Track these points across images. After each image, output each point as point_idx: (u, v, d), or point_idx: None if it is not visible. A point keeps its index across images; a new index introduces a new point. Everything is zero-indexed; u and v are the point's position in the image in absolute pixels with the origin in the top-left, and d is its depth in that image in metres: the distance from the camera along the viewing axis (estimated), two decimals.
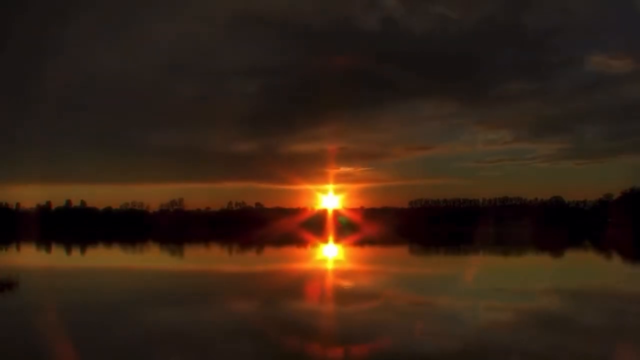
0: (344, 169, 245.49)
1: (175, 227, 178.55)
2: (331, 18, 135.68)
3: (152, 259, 42.38)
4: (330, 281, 25.16)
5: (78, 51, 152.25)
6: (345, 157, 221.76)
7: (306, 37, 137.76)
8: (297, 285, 23.23)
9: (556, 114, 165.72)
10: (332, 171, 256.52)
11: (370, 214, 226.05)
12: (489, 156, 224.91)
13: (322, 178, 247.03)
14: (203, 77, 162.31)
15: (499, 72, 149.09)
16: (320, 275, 27.72)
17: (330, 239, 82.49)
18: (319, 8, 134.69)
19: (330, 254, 48.19)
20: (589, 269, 30.81)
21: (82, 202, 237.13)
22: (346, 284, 24.23)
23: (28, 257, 43.96)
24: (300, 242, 69.52)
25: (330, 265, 34.83)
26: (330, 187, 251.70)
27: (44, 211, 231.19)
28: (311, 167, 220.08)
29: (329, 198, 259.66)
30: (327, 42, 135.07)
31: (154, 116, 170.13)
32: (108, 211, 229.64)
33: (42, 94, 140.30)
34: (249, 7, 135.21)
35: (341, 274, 28.65)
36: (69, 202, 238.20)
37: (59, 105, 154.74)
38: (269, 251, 52.65)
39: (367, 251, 53.77)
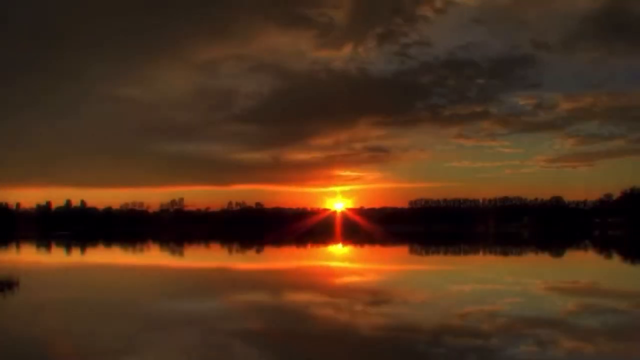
0: (344, 173, 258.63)
1: (177, 227, 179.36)
2: (317, 62, 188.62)
3: (156, 258, 42.36)
4: (340, 278, 25.17)
5: (101, 74, 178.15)
6: (345, 162, 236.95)
7: (303, 72, 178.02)
8: (312, 282, 23.27)
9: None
10: (334, 175, 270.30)
11: (370, 214, 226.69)
12: (483, 159, 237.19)
13: (324, 181, 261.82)
14: (213, 98, 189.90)
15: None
16: (331, 272, 27.76)
17: (333, 238, 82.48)
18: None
19: (335, 253, 48.22)
20: (589, 269, 30.84)
21: (82, 202, 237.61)
22: (356, 281, 24.26)
23: (28, 256, 43.97)
24: (303, 242, 69.51)
25: (338, 264, 34.84)
26: (332, 189, 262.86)
27: (44, 211, 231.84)
28: (314, 172, 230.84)
29: (332, 199, 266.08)
30: (318, 78, 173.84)
31: (170, 130, 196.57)
32: (108, 211, 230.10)
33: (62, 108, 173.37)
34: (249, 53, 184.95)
35: (349, 272, 28.67)
36: (69, 202, 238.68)
37: (76, 120, 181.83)
38: (275, 251, 52.66)
39: (368, 251, 53.79)
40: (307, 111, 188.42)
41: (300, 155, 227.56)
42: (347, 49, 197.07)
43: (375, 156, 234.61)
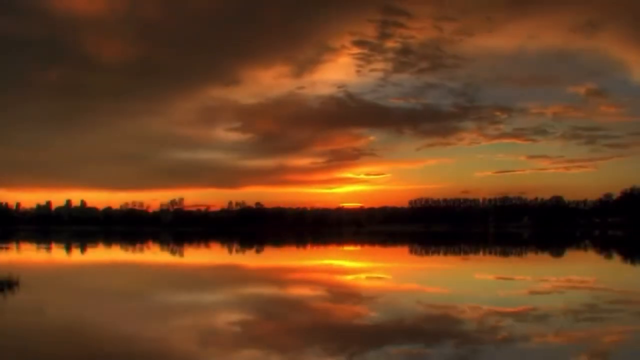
0: (344, 175, 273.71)
1: (177, 227, 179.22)
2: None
3: (154, 257, 42.43)
4: (338, 277, 25.24)
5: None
6: (343, 167, 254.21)
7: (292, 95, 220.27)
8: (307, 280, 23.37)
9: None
10: (334, 178, 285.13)
11: (370, 213, 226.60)
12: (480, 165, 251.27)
13: (324, 184, 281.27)
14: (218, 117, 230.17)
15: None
16: (327, 270, 27.83)
17: (332, 238, 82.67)
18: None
19: (334, 253, 48.27)
20: (590, 269, 30.90)
21: (82, 202, 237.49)
22: (354, 279, 24.34)
23: (28, 256, 44.00)
24: (303, 242, 69.66)
25: (336, 263, 34.88)
26: (333, 190, 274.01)
27: (44, 211, 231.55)
28: (314, 175, 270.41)
29: (332, 200, 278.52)
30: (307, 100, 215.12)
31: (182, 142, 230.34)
32: (108, 211, 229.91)
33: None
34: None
35: (347, 270, 28.74)
36: (69, 202, 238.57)
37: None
38: (274, 251, 52.72)
39: (367, 251, 53.81)
40: (303, 126, 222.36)
41: (300, 161, 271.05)
42: (327, 76, 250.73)
43: (371, 160, 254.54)
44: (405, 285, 22.26)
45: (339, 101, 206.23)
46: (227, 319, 14.19)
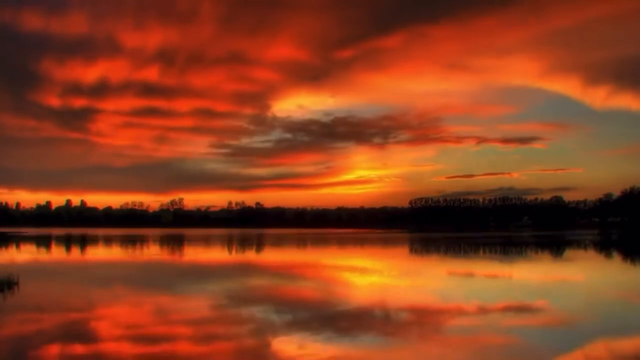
0: (344, 177, 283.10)
1: (176, 227, 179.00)
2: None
3: (151, 256, 42.45)
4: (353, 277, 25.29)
5: None
6: (342, 170, 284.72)
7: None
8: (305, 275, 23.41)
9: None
10: (334, 181, 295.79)
11: (370, 213, 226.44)
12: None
13: (324, 185, 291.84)
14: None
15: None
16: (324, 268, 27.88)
17: (333, 238, 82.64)
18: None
19: (333, 253, 48.28)
20: (591, 269, 30.92)
21: (82, 202, 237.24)
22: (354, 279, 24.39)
23: (28, 256, 44.05)
24: (303, 242, 69.67)
25: (335, 262, 34.93)
26: (332, 191, 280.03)
27: (44, 211, 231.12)
28: (314, 178, 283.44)
29: (331, 200, 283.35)
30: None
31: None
32: (108, 211, 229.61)
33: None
34: None
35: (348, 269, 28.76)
36: (69, 202, 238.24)
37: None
38: (274, 251, 52.73)
39: (368, 251, 53.81)
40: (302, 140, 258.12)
41: (299, 168, 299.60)
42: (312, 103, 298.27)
43: (363, 165, 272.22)
44: (397, 282, 22.35)
45: (321, 123, 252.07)
46: (224, 311, 14.14)
